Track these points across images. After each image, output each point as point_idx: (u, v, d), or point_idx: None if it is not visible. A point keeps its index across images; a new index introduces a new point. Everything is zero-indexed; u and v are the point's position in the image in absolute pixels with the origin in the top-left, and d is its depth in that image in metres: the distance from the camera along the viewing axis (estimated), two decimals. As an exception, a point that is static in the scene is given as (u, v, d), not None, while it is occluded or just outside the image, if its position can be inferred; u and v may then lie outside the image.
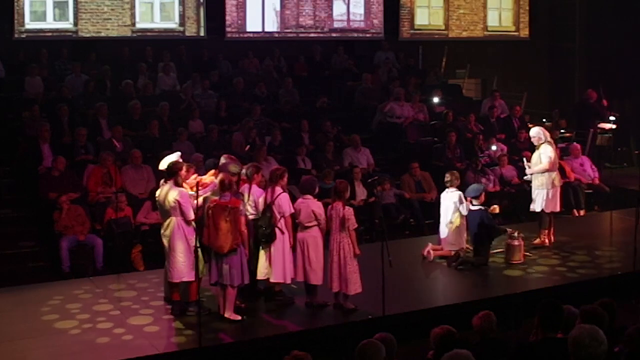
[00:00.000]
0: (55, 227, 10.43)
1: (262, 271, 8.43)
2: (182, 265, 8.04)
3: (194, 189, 8.35)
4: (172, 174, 8.09)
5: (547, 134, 10.86)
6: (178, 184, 8.08)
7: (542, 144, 10.59)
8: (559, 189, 10.74)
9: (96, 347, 7.50)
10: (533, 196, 10.70)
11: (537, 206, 10.65)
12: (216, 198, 7.97)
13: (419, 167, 12.87)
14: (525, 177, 11.10)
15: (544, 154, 10.52)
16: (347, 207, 8.30)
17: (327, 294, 8.45)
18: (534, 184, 10.70)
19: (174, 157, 8.61)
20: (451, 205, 9.90)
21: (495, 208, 10.24)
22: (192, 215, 8.01)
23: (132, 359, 7.24)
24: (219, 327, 7.86)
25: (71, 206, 10.55)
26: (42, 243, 10.82)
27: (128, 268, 10.11)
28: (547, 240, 10.73)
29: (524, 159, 11.06)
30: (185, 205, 7.97)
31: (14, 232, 10.92)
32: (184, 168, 8.26)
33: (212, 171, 8.74)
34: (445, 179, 10.08)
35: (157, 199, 8.24)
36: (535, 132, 10.79)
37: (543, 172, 10.53)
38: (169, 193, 8.01)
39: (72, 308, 8.50)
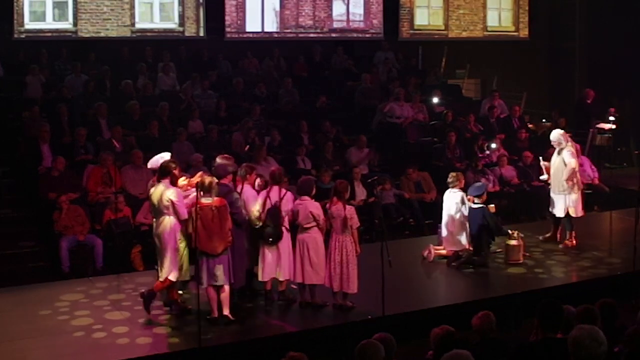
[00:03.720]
0: (55, 227, 10.44)
1: (268, 272, 8.43)
2: (174, 264, 8.04)
3: (185, 189, 8.40)
4: (166, 173, 8.07)
5: (567, 136, 10.83)
6: (173, 184, 8.07)
7: (562, 148, 10.55)
8: (581, 193, 10.76)
9: (96, 347, 7.50)
10: (557, 201, 10.62)
11: (559, 210, 10.62)
12: (200, 200, 7.89)
13: (417, 169, 12.85)
14: (541, 177, 11.09)
15: (567, 158, 10.49)
16: (348, 207, 8.32)
17: (325, 294, 8.45)
18: (557, 188, 10.61)
19: (166, 155, 8.61)
20: (453, 206, 9.88)
21: (492, 207, 10.21)
22: (185, 215, 8.02)
23: (132, 359, 7.24)
24: (219, 327, 7.86)
25: (71, 206, 10.55)
26: (42, 243, 10.82)
27: (128, 268, 10.11)
28: (574, 242, 10.72)
29: (541, 158, 11.05)
30: (179, 204, 7.97)
31: (13, 232, 10.91)
32: (178, 168, 8.25)
33: (200, 173, 8.75)
34: (449, 180, 10.04)
35: (150, 197, 8.21)
36: (556, 136, 10.72)
37: (572, 175, 10.50)
38: (164, 192, 7.99)
39: (72, 308, 8.50)
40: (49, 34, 15.33)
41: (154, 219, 8.20)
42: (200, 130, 13.40)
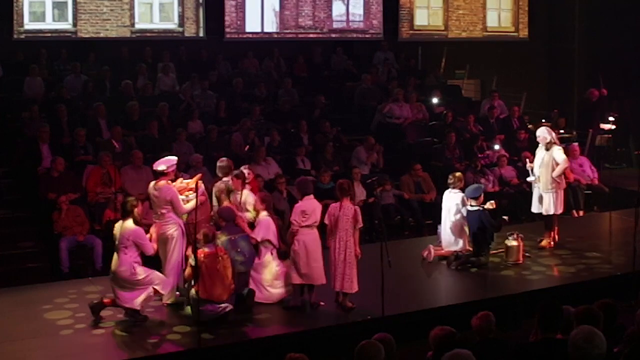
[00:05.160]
0: (55, 228, 10.43)
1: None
2: (135, 295, 8.02)
3: (186, 192, 8.42)
4: (127, 212, 8.03)
5: (554, 134, 10.75)
6: (136, 222, 8.03)
7: (549, 145, 10.48)
8: (563, 191, 10.71)
9: (96, 347, 7.51)
10: (543, 199, 10.56)
11: (549, 209, 10.54)
12: (204, 249, 7.93)
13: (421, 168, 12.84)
14: (529, 179, 10.92)
15: (558, 155, 10.42)
16: (355, 206, 8.36)
17: (324, 294, 8.46)
18: (543, 186, 10.55)
19: (172, 159, 8.64)
20: (453, 206, 9.89)
21: (492, 203, 10.19)
22: (151, 251, 8.06)
23: (132, 359, 7.24)
24: (219, 327, 7.86)
25: (70, 207, 10.55)
26: (42, 243, 10.81)
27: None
28: (552, 242, 10.69)
29: (527, 160, 10.99)
30: (143, 243, 7.98)
31: (13, 233, 10.91)
32: (140, 205, 8.19)
33: (199, 175, 8.80)
34: (449, 181, 10.05)
35: (115, 234, 8.14)
36: (542, 132, 10.67)
37: (562, 172, 10.44)
38: (126, 231, 7.95)
39: (72, 308, 8.50)
40: (49, 34, 15.34)
41: (115, 254, 8.10)
42: (200, 131, 13.39)
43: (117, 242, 8.04)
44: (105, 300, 8.18)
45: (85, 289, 9.15)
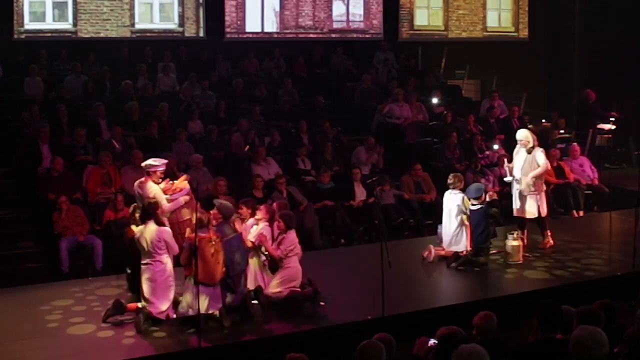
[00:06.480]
0: (55, 228, 10.43)
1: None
2: (165, 300, 8.00)
3: (170, 192, 8.44)
4: (150, 214, 7.99)
5: (534, 137, 10.61)
6: (159, 223, 8.01)
7: (531, 147, 10.38)
8: (545, 193, 10.62)
9: (96, 347, 7.50)
10: (524, 201, 10.44)
11: (532, 212, 10.46)
12: (203, 235, 7.91)
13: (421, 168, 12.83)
14: (506, 179, 10.81)
15: (540, 158, 10.37)
16: None
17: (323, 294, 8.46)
18: (528, 189, 10.45)
19: (160, 161, 8.64)
20: (454, 207, 9.89)
21: (493, 195, 10.14)
22: (177, 250, 8.02)
23: (132, 359, 7.24)
24: (219, 327, 7.86)
25: (70, 207, 10.55)
26: (42, 244, 10.81)
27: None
28: (552, 241, 10.65)
29: (505, 160, 10.94)
30: (170, 241, 7.96)
31: (13, 233, 10.91)
32: (159, 206, 8.16)
33: (185, 176, 8.86)
34: (449, 181, 10.04)
35: (136, 239, 8.03)
36: (524, 135, 10.55)
37: (541, 175, 10.38)
38: (150, 233, 7.92)
39: (72, 309, 8.49)
40: (49, 35, 15.34)
41: (144, 260, 7.97)
42: (200, 131, 13.39)
43: (148, 248, 7.89)
44: (130, 305, 8.13)
45: (85, 289, 9.13)
